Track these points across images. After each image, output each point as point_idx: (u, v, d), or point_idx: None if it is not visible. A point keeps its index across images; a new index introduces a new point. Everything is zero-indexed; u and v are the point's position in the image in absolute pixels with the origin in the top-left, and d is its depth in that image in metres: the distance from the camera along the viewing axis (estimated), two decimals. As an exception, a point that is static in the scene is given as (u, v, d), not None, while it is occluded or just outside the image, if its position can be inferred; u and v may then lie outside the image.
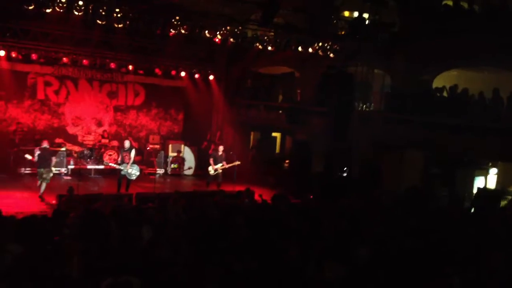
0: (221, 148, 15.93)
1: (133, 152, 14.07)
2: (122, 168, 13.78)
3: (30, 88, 17.13)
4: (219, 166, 15.48)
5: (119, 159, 14.39)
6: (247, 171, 17.17)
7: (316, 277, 6.10)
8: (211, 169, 15.49)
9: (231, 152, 16.35)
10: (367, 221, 9.66)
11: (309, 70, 17.68)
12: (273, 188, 15.49)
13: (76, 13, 11.58)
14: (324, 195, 13.55)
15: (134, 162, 14.06)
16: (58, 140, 16.76)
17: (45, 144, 13.45)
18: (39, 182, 13.10)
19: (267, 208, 10.39)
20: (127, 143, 14.31)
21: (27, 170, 15.76)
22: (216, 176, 15.50)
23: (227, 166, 15.61)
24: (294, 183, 15.69)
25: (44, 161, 13.13)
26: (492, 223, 10.25)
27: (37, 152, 13.27)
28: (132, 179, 14.02)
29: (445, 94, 14.13)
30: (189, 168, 18.31)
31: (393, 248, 7.81)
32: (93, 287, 5.21)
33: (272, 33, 14.74)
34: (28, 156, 13.10)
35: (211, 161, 15.55)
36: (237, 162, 15.70)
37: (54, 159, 13.55)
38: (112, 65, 17.27)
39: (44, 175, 13.03)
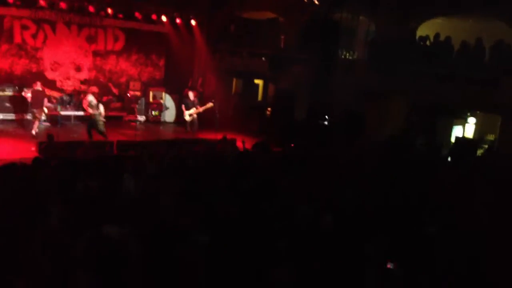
0: (191, 93, 15.95)
1: (101, 107, 13.89)
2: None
3: (7, 32, 16.55)
4: (192, 111, 15.50)
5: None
6: (229, 118, 17.15)
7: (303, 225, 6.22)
8: (186, 115, 15.57)
9: (213, 100, 16.24)
10: (350, 170, 9.80)
11: (294, 16, 17.37)
12: (255, 135, 15.53)
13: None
14: (306, 144, 13.66)
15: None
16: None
17: (37, 86, 14.58)
18: (35, 123, 14.12)
19: (248, 156, 10.43)
20: (90, 97, 13.91)
21: (5, 116, 15.56)
22: (192, 122, 15.55)
23: (201, 109, 15.67)
24: (276, 132, 15.74)
25: (37, 101, 14.28)
26: (468, 172, 10.51)
27: (28, 94, 14.62)
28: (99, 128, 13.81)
29: (428, 43, 14.08)
30: (167, 109, 18.23)
31: (375, 198, 7.97)
32: (75, 237, 5.24)
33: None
34: (28, 94, 14.86)
35: (183, 107, 15.64)
36: (210, 104, 15.72)
37: (46, 100, 14.56)
38: (91, 9, 16.67)
39: (37, 115, 14.16)
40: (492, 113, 13.80)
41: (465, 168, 11.49)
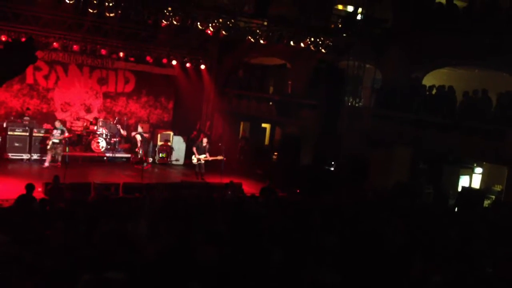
0: (205, 140, 16.07)
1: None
2: None
3: (20, 72, 16.92)
4: (202, 157, 15.56)
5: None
6: (235, 162, 17.19)
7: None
8: (194, 158, 15.63)
9: (219, 144, 16.34)
10: (353, 218, 9.76)
11: (301, 62, 17.66)
12: (260, 180, 15.52)
13: (68, 1, 11.43)
14: (311, 190, 13.63)
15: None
16: (46, 126, 16.64)
17: (140, 129, 17.06)
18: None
19: (251, 202, 10.43)
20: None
21: (14, 156, 15.68)
22: (199, 166, 15.59)
23: (210, 158, 15.69)
24: (281, 176, 15.72)
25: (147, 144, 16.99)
26: (475, 224, 10.40)
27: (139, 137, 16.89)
28: None
29: (434, 92, 14.21)
30: (177, 160, 18.22)
31: (379, 245, 7.92)
32: (73, 281, 5.22)
33: (265, 26, 14.66)
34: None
35: (194, 149, 15.72)
36: (221, 157, 15.68)
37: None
38: (103, 51, 17.09)
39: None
40: (498, 164, 13.75)
41: (471, 219, 11.38)
